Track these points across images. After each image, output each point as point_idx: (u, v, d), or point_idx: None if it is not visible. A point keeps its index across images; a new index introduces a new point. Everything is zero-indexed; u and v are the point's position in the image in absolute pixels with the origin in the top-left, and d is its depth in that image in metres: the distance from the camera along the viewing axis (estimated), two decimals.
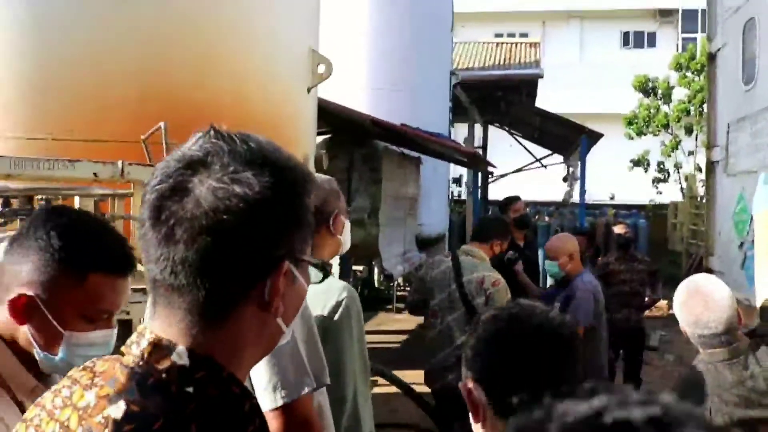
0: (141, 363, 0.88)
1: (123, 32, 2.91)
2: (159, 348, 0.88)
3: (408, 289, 13.34)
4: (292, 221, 0.92)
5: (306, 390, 1.57)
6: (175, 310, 0.89)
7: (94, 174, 2.06)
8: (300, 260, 0.95)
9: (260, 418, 0.92)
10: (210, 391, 0.87)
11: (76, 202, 2.07)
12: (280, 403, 1.58)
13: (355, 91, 8.76)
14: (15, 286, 1.30)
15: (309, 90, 3.87)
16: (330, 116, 6.42)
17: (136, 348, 0.90)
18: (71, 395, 0.89)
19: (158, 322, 0.90)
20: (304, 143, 3.90)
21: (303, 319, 1.74)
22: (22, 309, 1.29)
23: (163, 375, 0.86)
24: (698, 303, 2.41)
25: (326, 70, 3.85)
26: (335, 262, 3.88)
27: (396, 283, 12.36)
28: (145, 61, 2.93)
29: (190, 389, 0.85)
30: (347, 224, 2.28)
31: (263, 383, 1.58)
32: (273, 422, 1.55)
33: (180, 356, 0.87)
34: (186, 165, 0.87)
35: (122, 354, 0.92)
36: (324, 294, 2.05)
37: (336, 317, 2.03)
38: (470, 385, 1.31)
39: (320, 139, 7.39)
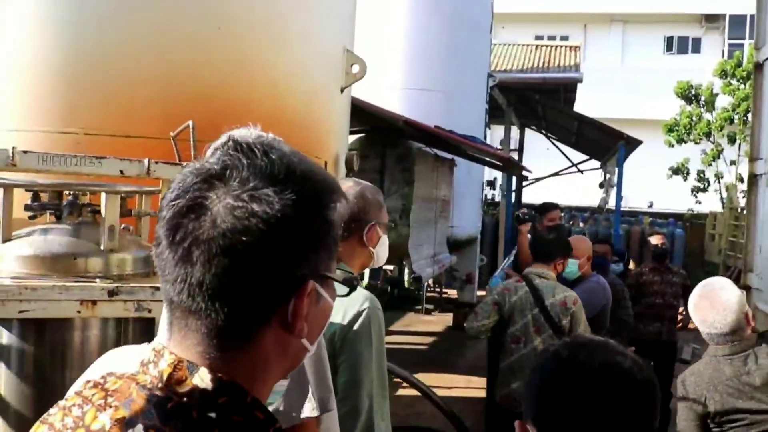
0: (160, 385, 0.83)
1: (156, 31, 2.91)
2: (179, 370, 0.83)
3: (437, 289, 13.28)
4: (316, 238, 0.88)
5: (308, 415, 1.53)
6: (192, 333, 0.85)
7: (121, 171, 2.06)
8: (325, 277, 0.91)
9: None
10: (234, 417, 0.82)
11: (103, 199, 2.07)
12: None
13: (391, 91, 8.73)
14: None
15: (342, 90, 3.84)
16: (364, 115, 6.40)
17: (153, 368, 0.85)
18: (83, 416, 0.84)
19: (174, 344, 0.86)
20: (335, 143, 3.87)
21: None
22: None
23: (184, 399, 0.82)
24: (706, 305, 2.71)
25: (360, 70, 3.82)
26: None
27: (426, 284, 12.31)
28: (177, 61, 2.93)
29: (213, 414, 0.81)
30: (384, 238, 2.19)
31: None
32: None
33: (202, 379, 0.83)
34: (203, 180, 0.84)
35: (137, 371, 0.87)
36: (345, 302, 2.00)
37: (356, 327, 1.97)
38: (527, 425, 1.18)
39: (354, 138, 7.39)
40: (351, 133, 5.63)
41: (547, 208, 5.98)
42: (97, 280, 1.97)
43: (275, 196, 0.82)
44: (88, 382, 0.90)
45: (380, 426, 2.02)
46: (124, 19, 2.89)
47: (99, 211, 2.15)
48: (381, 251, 2.20)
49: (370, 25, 7.66)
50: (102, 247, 2.01)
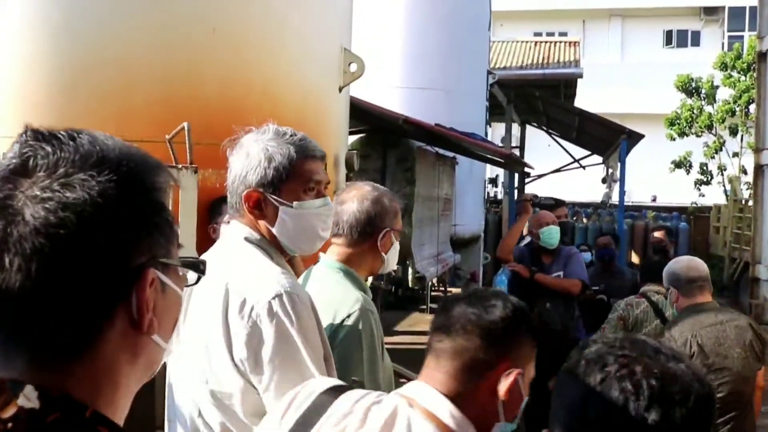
0: None
1: (151, 34, 2.88)
2: (2, 391, 0.72)
3: (442, 288, 13.22)
4: (147, 223, 0.78)
5: None
6: (17, 348, 0.74)
7: None
8: (167, 264, 0.82)
9: None
10: None
11: None
12: None
13: (390, 90, 8.69)
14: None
15: (340, 89, 3.80)
16: (364, 115, 6.36)
17: None
18: None
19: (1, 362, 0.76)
20: (335, 143, 3.82)
21: (318, 338, 1.66)
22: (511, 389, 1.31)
23: (9, 425, 0.71)
24: (688, 259, 3.42)
25: (358, 69, 3.77)
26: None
27: (430, 283, 12.25)
28: (173, 63, 2.90)
29: None
30: (396, 245, 2.18)
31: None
32: None
33: (28, 399, 0.72)
34: (3, 179, 0.73)
35: None
36: (335, 304, 1.94)
37: (345, 328, 1.89)
38: None
39: (354, 138, 7.34)
40: (351, 133, 5.59)
41: (554, 204, 5.96)
42: None
43: (91, 180, 0.73)
44: None
45: None
46: (120, 23, 2.86)
47: None
48: (392, 257, 2.18)
49: (368, 24, 7.62)
50: None
